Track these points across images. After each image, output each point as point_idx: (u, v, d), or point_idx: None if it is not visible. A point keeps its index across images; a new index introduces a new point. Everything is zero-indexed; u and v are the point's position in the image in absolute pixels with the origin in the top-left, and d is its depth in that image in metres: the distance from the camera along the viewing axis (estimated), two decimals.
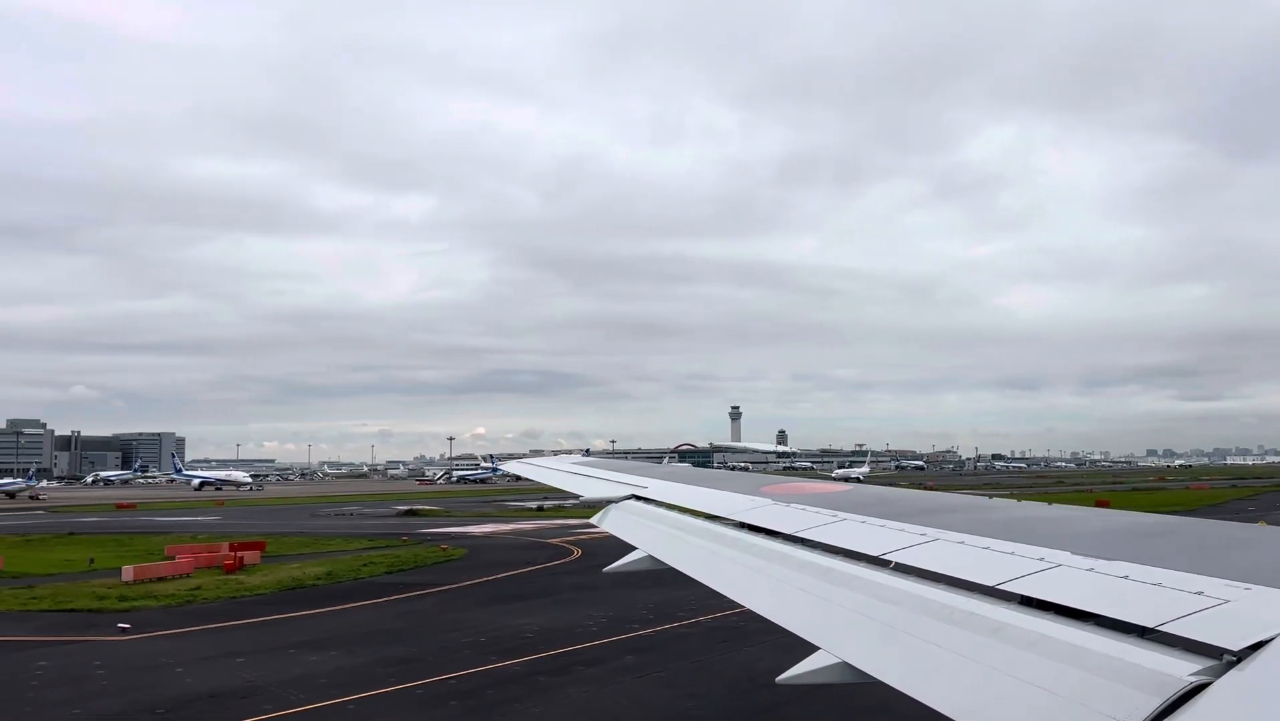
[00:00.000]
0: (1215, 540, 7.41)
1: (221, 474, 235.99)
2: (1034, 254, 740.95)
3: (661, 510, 13.87)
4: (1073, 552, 6.98)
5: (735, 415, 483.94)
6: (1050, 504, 10.36)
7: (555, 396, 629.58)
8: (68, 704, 27.93)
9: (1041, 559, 7.00)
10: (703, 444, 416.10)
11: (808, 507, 11.26)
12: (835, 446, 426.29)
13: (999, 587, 6.65)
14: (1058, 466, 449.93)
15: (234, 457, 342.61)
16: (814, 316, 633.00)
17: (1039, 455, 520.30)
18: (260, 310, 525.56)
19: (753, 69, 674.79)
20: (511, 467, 26.40)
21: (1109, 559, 6.64)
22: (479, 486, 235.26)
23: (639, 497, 14.92)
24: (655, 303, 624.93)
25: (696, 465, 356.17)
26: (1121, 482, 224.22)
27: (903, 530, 9.00)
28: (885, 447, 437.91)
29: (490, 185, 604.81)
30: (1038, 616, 6.11)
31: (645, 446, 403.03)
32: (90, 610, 46.11)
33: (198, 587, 54.40)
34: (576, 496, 16.72)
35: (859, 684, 6.25)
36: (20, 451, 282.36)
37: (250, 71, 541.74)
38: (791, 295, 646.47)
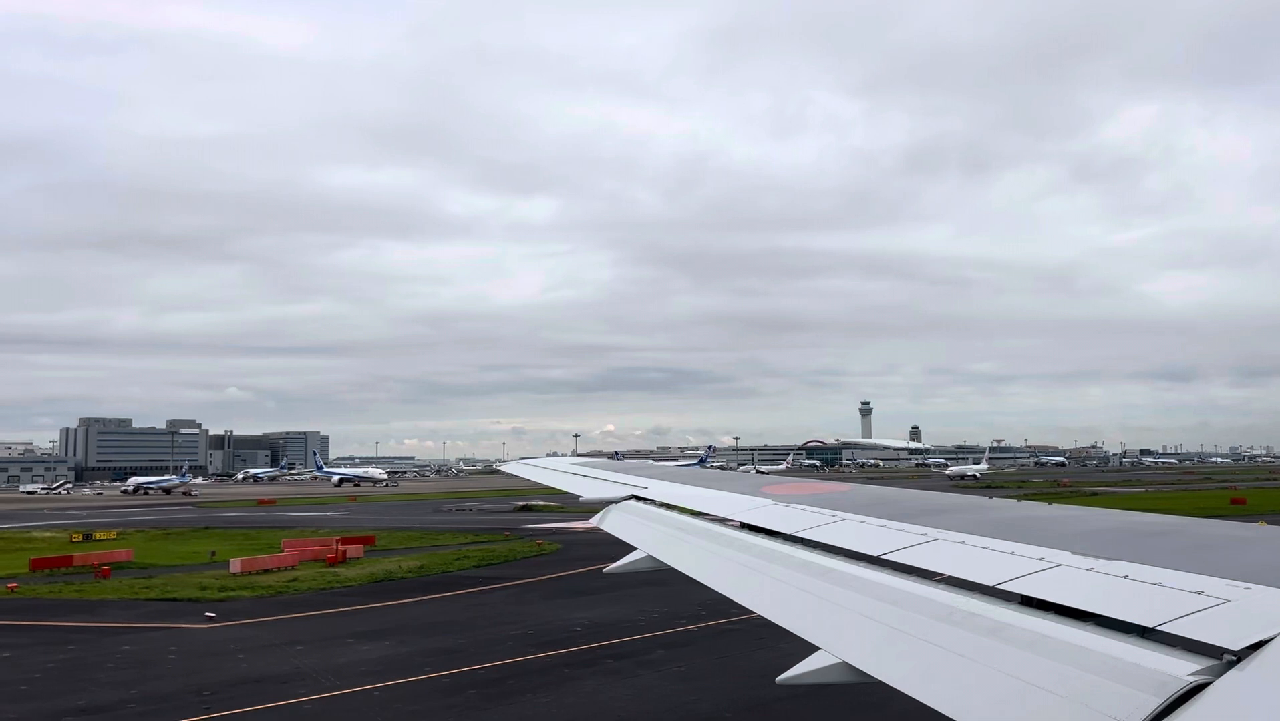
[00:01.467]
0: (1215, 540, 7.42)
1: (359, 471, 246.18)
2: (1182, 238, 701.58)
3: (661, 510, 14.02)
4: (1073, 552, 7.02)
5: (865, 411, 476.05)
6: (1050, 504, 10.38)
7: (681, 393, 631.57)
8: (128, 684, 30.53)
9: (1041, 559, 7.04)
10: (831, 440, 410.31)
11: (808, 508, 11.31)
12: (971, 442, 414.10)
13: (999, 587, 6.68)
14: (1212, 462, 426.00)
15: (374, 455, 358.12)
16: (947, 308, 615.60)
17: (1192, 450, 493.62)
18: (398, 313, 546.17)
19: (873, 57, 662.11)
20: (511, 469, 27.19)
21: (1109, 558, 6.68)
22: None
23: (639, 498, 15.07)
24: (780, 298, 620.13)
25: (825, 462, 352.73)
26: (1277, 479, 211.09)
27: (903, 530, 9.06)
28: (1024, 443, 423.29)
29: (612, 185, 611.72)
30: (1038, 616, 6.14)
31: (772, 443, 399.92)
32: (190, 599, 49.54)
33: (295, 579, 57.62)
34: (576, 497, 16.93)
35: (859, 684, 6.31)
36: (177, 450, 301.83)
37: (381, 83, 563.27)
38: (922, 286, 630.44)
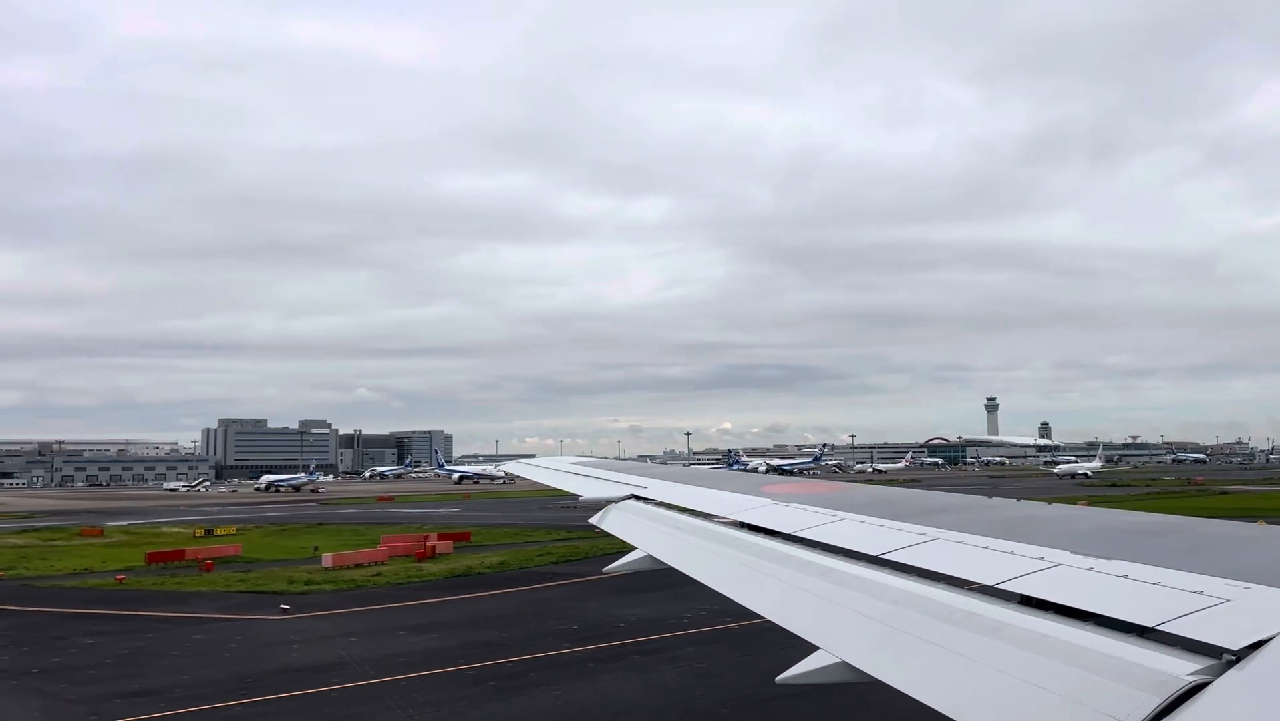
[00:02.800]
0: (1215, 539, 7.48)
1: (478, 469, 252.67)
2: None
3: (661, 510, 14.12)
4: (1072, 552, 7.06)
5: (991, 407, 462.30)
6: (1050, 503, 10.77)
7: (799, 390, 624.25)
8: (183, 671, 32.81)
9: (1041, 558, 7.08)
10: (954, 438, 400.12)
11: (807, 507, 11.40)
12: (1104, 439, 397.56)
13: (998, 587, 6.75)
14: None
15: (494, 453, 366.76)
16: (1076, 300, 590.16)
17: None
18: (516, 314, 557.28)
19: (989, 43, 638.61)
20: (510, 468, 28.04)
21: (1108, 558, 6.72)
22: None
23: (639, 498, 15.21)
24: (898, 292, 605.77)
25: (948, 460, 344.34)
26: None
27: (902, 530, 9.11)
28: (1161, 440, 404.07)
29: (722, 183, 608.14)
30: (1037, 616, 6.20)
31: (891, 440, 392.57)
32: (275, 592, 52.29)
33: (379, 574, 60.14)
34: (575, 497, 17.31)
35: (859, 683, 6.40)
36: (308, 449, 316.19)
37: (495, 90, 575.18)
38: (1048, 278, 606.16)
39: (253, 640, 38.47)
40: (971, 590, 6.92)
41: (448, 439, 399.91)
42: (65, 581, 58.76)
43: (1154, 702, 4.61)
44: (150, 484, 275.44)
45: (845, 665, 6.57)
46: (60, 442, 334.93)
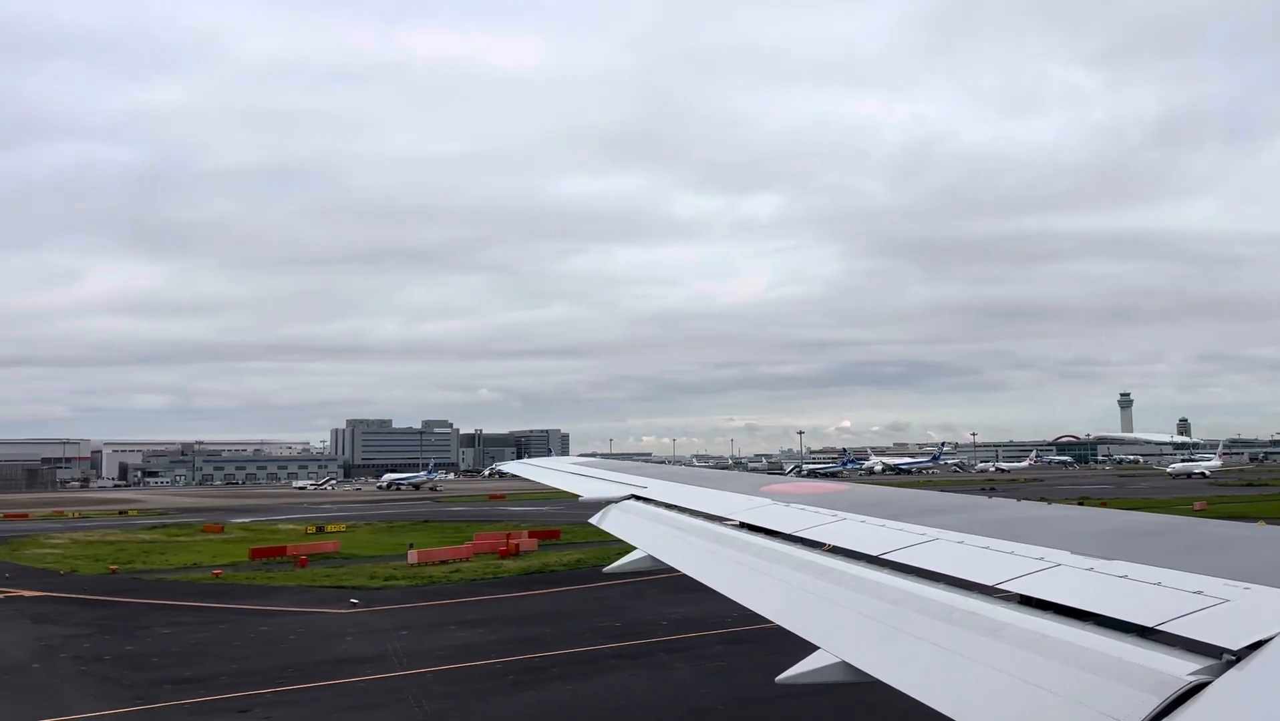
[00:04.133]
0: (1214, 540, 7.49)
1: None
2: None
3: (661, 510, 14.18)
4: (1072, 552, 7.09)
5: (1125, 403, 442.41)
6: (1050, 503, 11.24)
7: (920, 387, 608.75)
8: (236, 660, 35.06)
9: (1041, 558, 7.10)
10: (1085, 435, 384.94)
11: (807, 507, 11.43)
12: (1248, 436, 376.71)
13: (998, 587, 6.78)
14: None
15: (609, 452, 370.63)
16: (1216, 289, 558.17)
17: None
18: (630, 314, 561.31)
19: (1113, 24, 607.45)
20: (510, 468, 28.82)
21: (1108, 558, 6.74)
22: (824, 480, 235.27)
23: (639, 497, 15.25)
24: (1022, 285, 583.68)
25: (1077, 459, 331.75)
26: None
27: (902, 529, 9.13)
28: None
29: (835, 177, 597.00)
30: (1037, 616, 6.22)
31: (1018, 439, 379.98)
32: (354, 587, 54.77)
33: (457, 570, 62.28)
34: (576, 496, 17.44)
35: (858, 683, 6.46)
36: (429, 448, 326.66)
37: (604, 93, 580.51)
38: (1185, 266, 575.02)
39: (312, 632, 40.67)
40: (972, 590, 7.00)
41: (564, 438, 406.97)
42: (169, 575, 62.70)
43: (1154, 702, 4.64)
44: (282, 482, 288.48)
45: (845, 665, 6.65)
46: (200, 443, 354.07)
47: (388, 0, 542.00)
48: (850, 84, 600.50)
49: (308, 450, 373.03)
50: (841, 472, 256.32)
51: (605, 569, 14.57)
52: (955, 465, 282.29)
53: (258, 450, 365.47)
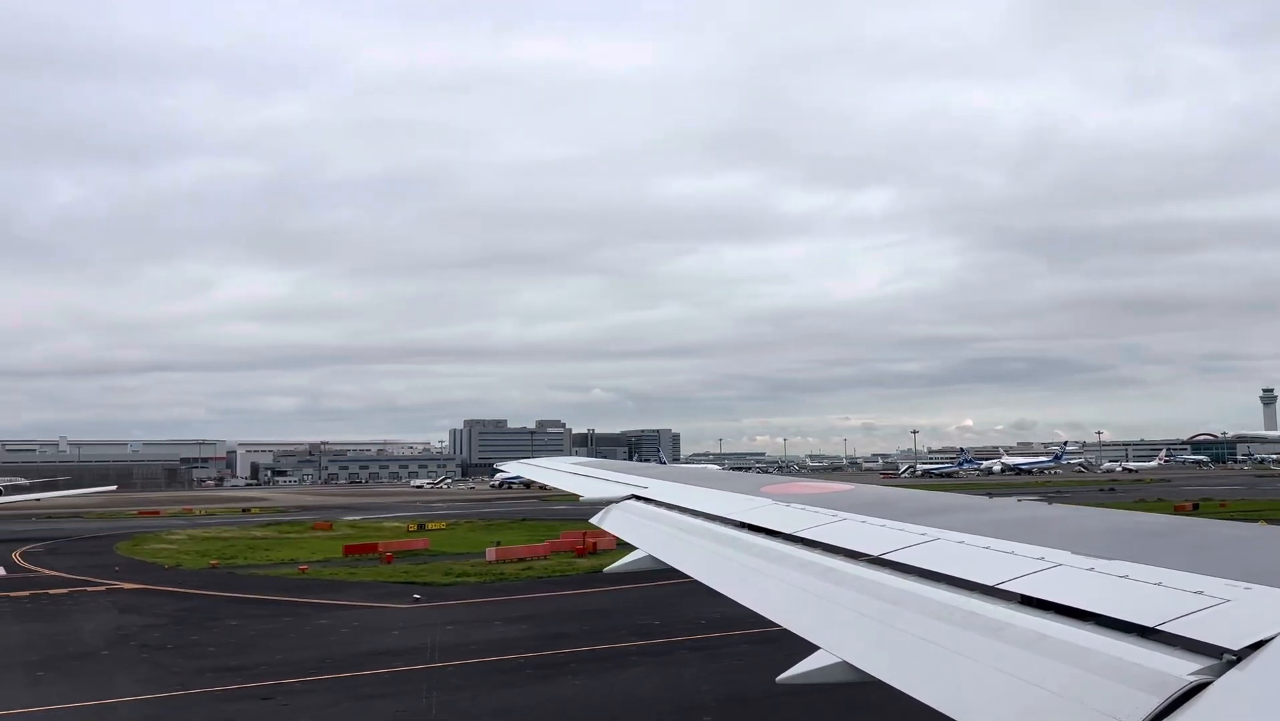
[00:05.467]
0: (1215, 539, 7.48)
1: (696, 467, 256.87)
2: None
3: (661, 510, 14.36)
4: (1073, 552, 7.09)
5: (1268, 399, 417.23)
6: (1050, 503, 11.38)
7: (1046, 384, 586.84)
8: (282, 651, 37.03)
9: (1041, 558, 7.11)
10: (1222, 433, 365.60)
11: (808, 507, 11.50)
12: None
13: (999, 587, 6.79)
14: None
15: (718, 451, 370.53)
16: None
17: None
18: (741, 313, 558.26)
19: (1243, 2, 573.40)
20: (512, 468, 29.55)
21: (1109, 558, 6.74)
22: (939, 480, 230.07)
23: (639, 498, 15.47)
24: (1153, 276, 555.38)
25: (1214, 459, 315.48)
26: None
27: (903, 530, 9.17)
28: None
29: (949, 170, 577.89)
30: (1038, 616, 6.23)
31: (1150, 437, 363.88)
32: (425, 583, 56.68)
33: (529, 568, 63.78)
34: (576, 497, 18.07)
35: (859, 683, 6.49)
36: (540, 448, 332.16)
37: (710, 93, 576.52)
38: None
39: (366, 626, 42.50)
40: (972, 590, 7.02)
41: (675, 438, 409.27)
42: (262, 570, 65.95)
43: (1155, 702, 4.65)
44: (403, 481, 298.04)
45: (846, 665, 6.69)
46: (325, 443, 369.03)
47: (496, 10, 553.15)
48: (961, 74, 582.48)
49: (428, 450, 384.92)
50: (957, 473, 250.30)
51: (605, 569, 15.07)
52: (1079, 465, 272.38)
53: (381, 450, 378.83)
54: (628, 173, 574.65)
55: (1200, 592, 5.62)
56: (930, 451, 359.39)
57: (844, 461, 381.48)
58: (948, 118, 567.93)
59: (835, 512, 10.78)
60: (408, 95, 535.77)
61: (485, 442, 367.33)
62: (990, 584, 6.82)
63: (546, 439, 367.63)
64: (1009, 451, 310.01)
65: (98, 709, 28.47)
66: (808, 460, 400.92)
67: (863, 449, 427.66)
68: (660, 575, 11.04)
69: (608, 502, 16.24)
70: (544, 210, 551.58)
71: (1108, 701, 4.86)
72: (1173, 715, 4.53)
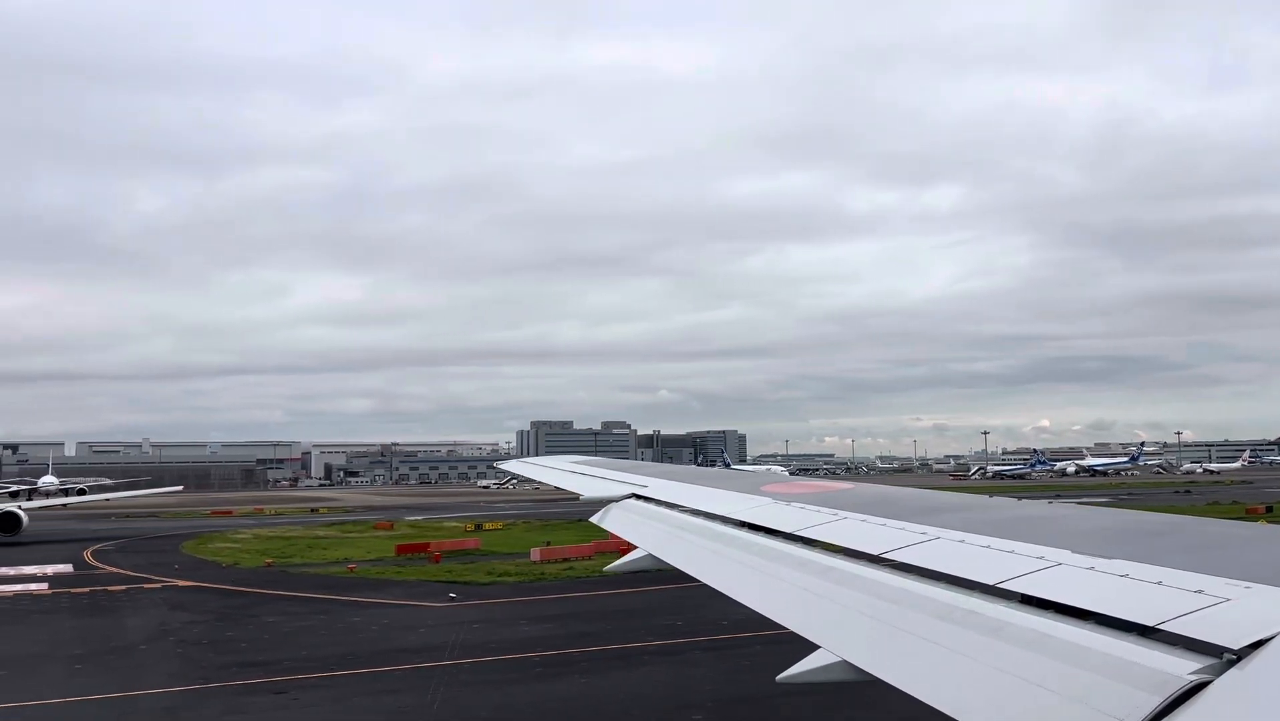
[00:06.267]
0: (1215, 539, 7.48)
1: (762, 469, 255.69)
2: None
3: (662, 509, 14.55)
4: (1073, 551, 7.08)
5: None
6: (1050, 503, 11.62)
7: (1125, 384, 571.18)
8: (308, 647, 38.03)
9: (1042, 557, 7.11)
10: None
11: (808, 506, 11.55)
12: None
13: (999, 586, 6.81)
14: None
15: (783, 452, 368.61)
16: None
17: None
18: (807, 313, 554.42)
19: None
20: (511, 466, 29.97)
21: (1109, 557, 6.74)
22: (1010, 482, 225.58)
23: (640, 496, 15.69)
24: (1236, 271, 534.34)
25: None
26: None
27: (903, 529, 9.19)
28: None
29: (1021, 165, 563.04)
30: (1038, 615, 6.25)
31: (1234, 437, 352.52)
32: (465, 582, 57.54)
33: (570, 568, 64.28)
34: (576, 495, 18.33)
35: (859, 682, 6.49)
36: (609, 449, 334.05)
37: (772, 92, 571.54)
38: None
39: (396, 624, 43.43)
40: (972, 589, 7.05)
41: (741, 439, 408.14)
42: (313, 569, 67.56)
43: (1155, 702, 4.67)
44: (471, 482, 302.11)
45: (846, 664, 6.75)
46: (396, 444, 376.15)
47: (560, 15, 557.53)
48: (1032, 68, 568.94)
49: (496, 450, 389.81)
50: (1029, 474, 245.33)
51: (605, 568, 15.41)
52: (1158, 466, 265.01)
53: (451, 450, 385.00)
54: (692, 173, 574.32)
55: (1200, 592, 5.61)
56: (1004, 453, 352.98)
57: (915, 463, 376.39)
58: (1018, 112, 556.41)
59: (835, 511, 10.89)
60: (474, 101, 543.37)
61: (551, 443, 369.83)
62: (990, 583, 6.87)
63: (611, 440, 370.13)
64: (1091, 452, 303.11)
65: (121, 700, 29.65)
66: (877, 461, 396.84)
67: (934, 450, 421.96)
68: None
69: (608, 501, 16.43)
70: (609, 212, 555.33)
71: (1108, 700, 4.88)
72: (1173, 714, 4.54)
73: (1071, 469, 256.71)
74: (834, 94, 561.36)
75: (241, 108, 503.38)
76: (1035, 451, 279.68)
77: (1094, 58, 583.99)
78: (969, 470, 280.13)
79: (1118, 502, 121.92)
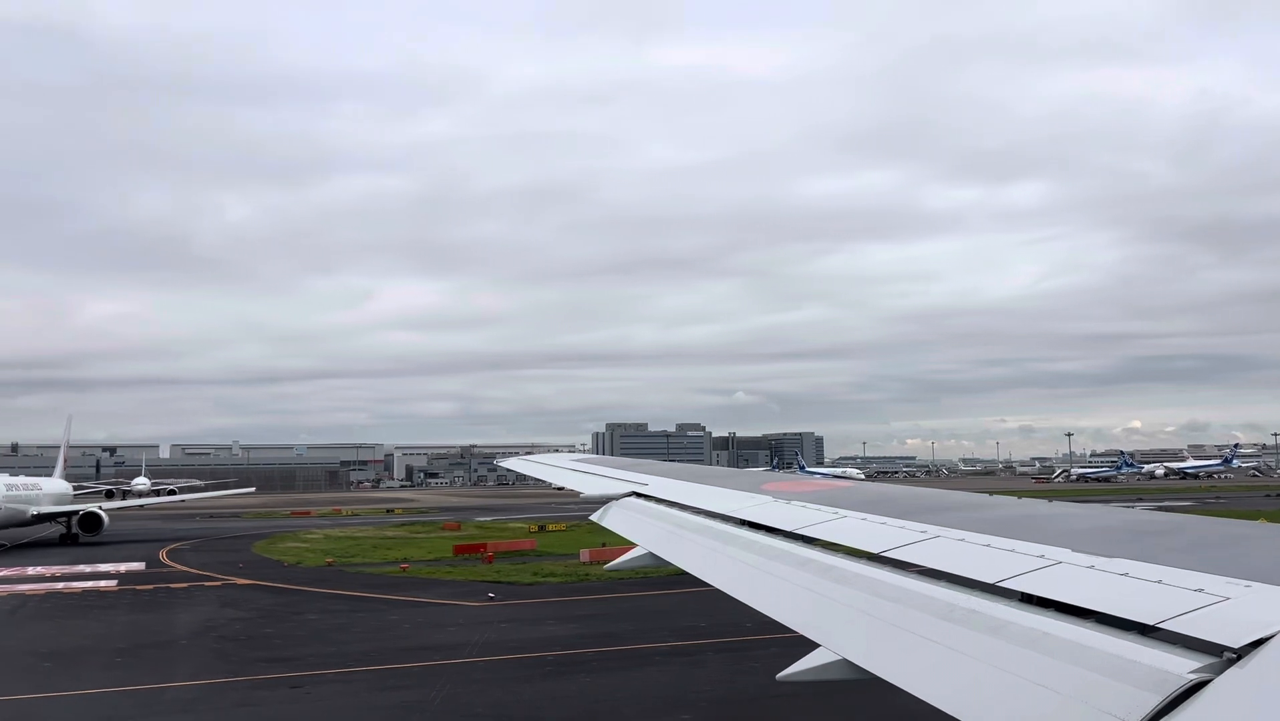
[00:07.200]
0: (1215, 537, 7.45)
1: (836, 471, 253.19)
2: None
3: (662, 507, 14.72)
4: (1073, 550, 7.07)
5: None
6: (1050, 501, 11.54)
7: (1222, 383, 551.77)
8: (336, 644, 39.23)
9: (1042, 556, 7.10)
10: None
11: (808, 505, 11.60)
12: None
13: (1000, 585, 6.81)
14: None
15: (860, 455, 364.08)
16: None
17: None
18: (886, 312, 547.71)
19: None
20: (511, 464, 30.54)
21: (1109, 556, 6.73)
22: (1096, 485, 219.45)
23: (640, 495, 15.96)
24: None
25: None
26: None
27: (903, 527, 9.20)
28: None
29: (1106, 159, 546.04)
30: (1038, 613, 6.26)
31: None
32: (510, 582, 58.45)
33: (617, 568, 64.76)
34: (577, 494, 19.20)
35: (859, 680, 6.50)
36: (683, 450, 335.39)
37: (847, 91, 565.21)
38: None
39: (429, 622, 44.54)
40: (973, 588, 7.04)
41: (818, 441, 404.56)
42: (369, 568, 69.29)
43: (1155, 700, 4.67)
44: (547, 483, 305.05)
45: (846, 662, 6.77)
46: (475, 446, 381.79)
47: (635, 19, 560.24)
48: (1117, 60, 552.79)
49: (572, 451, 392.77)
50: (1115, 477, 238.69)
51: (606, 566, 15.97)
52: (1253, 469, 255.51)
53: (528, 453, 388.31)
54: (767, 174, 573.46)
55: (1200, 591, 5.62)
56: (1093, 455, 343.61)
57: (998, 465, 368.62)
58: (1103, 104, 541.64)
59: (836, 510, 10.96)
60: (549, 108, 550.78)
61: (626, 445, 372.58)
62: (991, 581, 6.87)
63: (686, 442, 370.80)
64: (1191, 454, 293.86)
65: (146, 692, 31.07)
66: (959, 463, 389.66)
67: (1020, 452, 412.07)
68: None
69: (608, 499, 16.82)
70: (684, 215, 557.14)
71: (1108, 699, 4.88)
72: (1173, 713, 4.54)
73: (1160, 471, 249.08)
74: (911, 91, 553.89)
75: (325, 119, 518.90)
76: (1122, 453, 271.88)
77: (1183, 47, 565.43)
78: (1052, 472, 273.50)
79: (1203, 506, 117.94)
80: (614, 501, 16.87)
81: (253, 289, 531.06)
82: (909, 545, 8.34)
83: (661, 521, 14.11)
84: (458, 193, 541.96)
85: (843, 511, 10.67)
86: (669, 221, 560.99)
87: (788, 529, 10.41)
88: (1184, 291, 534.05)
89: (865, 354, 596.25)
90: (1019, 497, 10.53)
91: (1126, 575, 6.21)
